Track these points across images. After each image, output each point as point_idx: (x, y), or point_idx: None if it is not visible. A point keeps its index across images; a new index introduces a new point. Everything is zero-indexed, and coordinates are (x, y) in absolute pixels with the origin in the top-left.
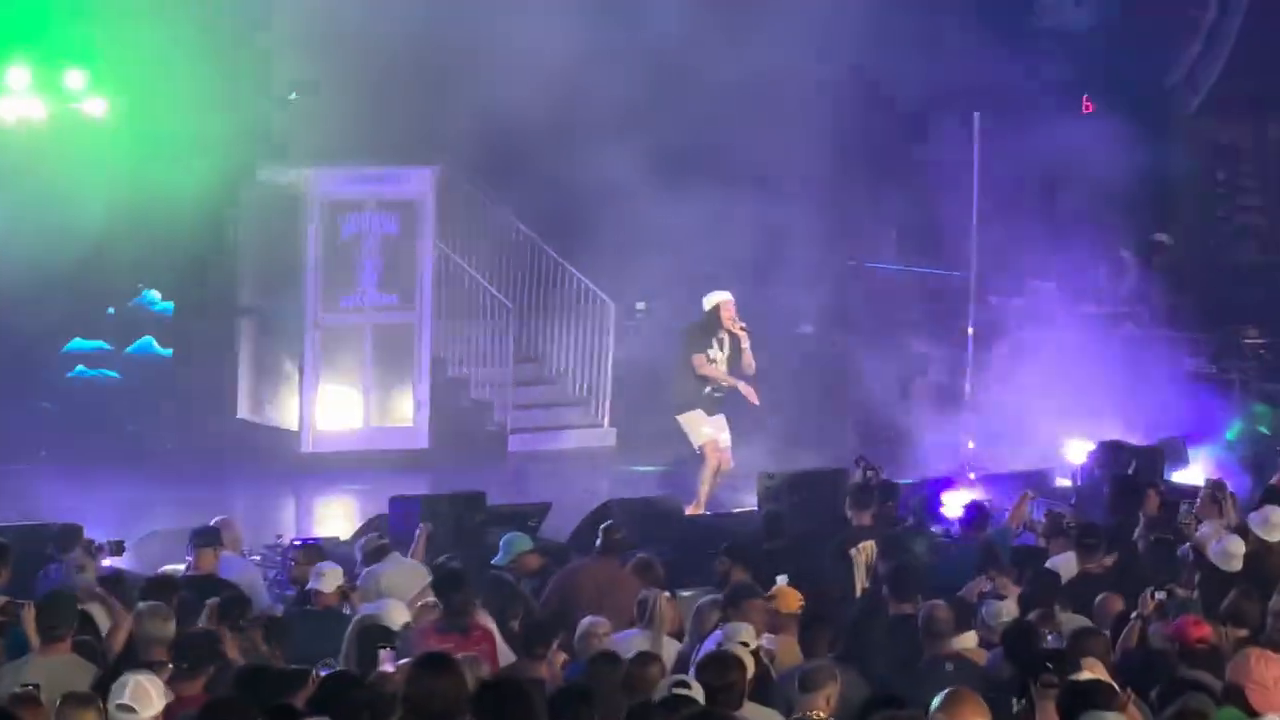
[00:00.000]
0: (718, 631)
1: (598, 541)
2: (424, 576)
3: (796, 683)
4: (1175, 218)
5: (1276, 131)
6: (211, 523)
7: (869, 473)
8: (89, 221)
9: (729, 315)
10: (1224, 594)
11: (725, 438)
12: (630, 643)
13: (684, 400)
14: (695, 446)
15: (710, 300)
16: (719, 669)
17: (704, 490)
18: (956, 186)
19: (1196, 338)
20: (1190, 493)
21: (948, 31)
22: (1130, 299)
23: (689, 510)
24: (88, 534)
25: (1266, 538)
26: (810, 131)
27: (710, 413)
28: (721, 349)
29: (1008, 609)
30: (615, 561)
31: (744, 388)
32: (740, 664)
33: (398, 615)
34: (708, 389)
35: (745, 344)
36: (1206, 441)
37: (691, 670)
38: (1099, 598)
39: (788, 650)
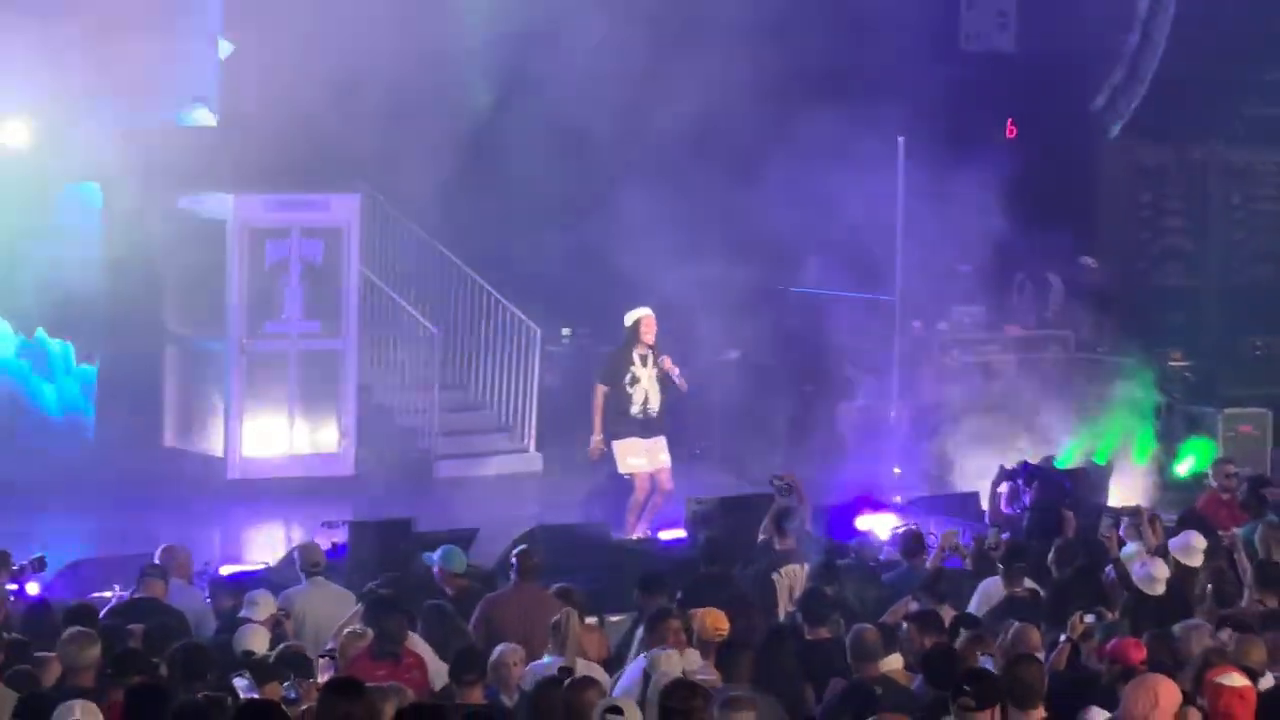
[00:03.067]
0: (640, 657)
1: (514, 567)
2: (350, 602)
3: (715, 709)
4: (1100, 241)
5: (1200, 155)
6: (158, 550)
7: (783, 487)
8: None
9: (650, 330)
10: (1148, 617)
11: (663, 458)
12: (547, 670)
13: (614, 428)
14: (620, 473)
15: (631, 316)
16: (685, 694)
17: (631, 520)
18: (881, 210)
19: (1123, 360)
20: (1112, 514)
21: (873, 53)
22: (1056, 322)
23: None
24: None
25: (1187, 563)
26: (733, 154)
27: (645, 434)
28: (644, 364)
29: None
30: (536, 586)
31: (671, 373)
32: (705, 692)
33: (257, 641)
34: (633, 409)
35: (669, 366)
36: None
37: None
38: (1014, 627)
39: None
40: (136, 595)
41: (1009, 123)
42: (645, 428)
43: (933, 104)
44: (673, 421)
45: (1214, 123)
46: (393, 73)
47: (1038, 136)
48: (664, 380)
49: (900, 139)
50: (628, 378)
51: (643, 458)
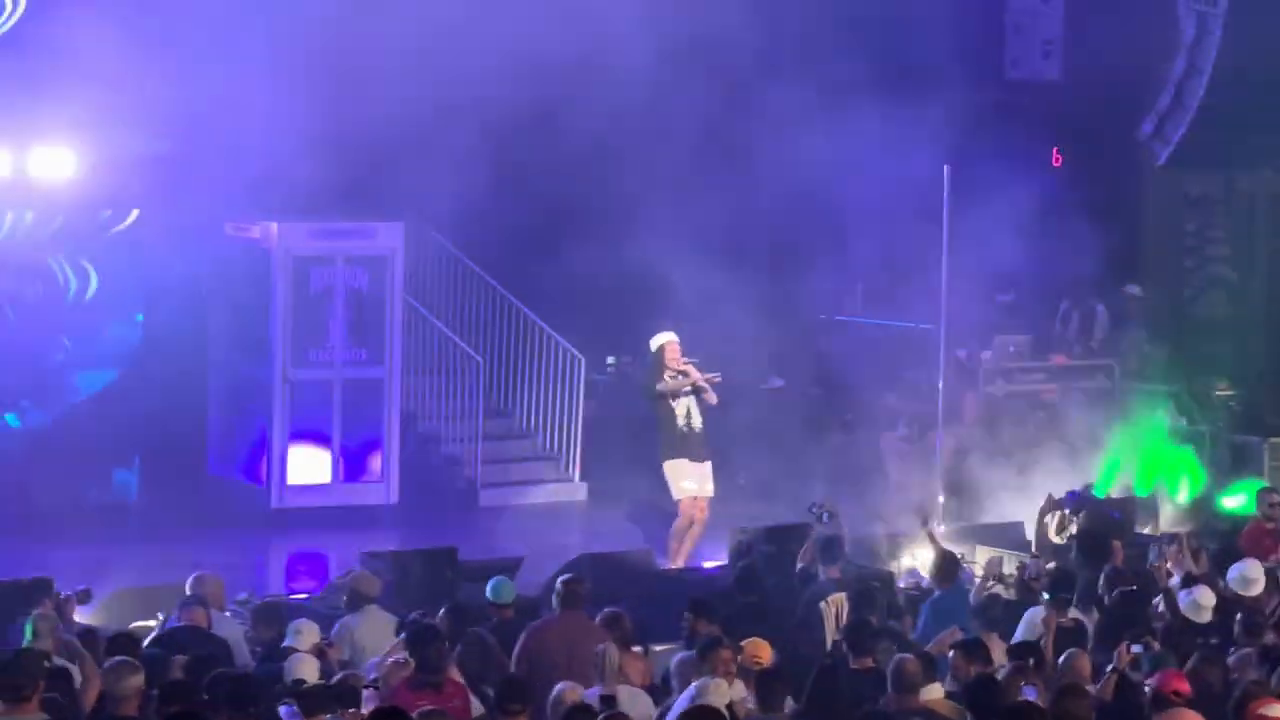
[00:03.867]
0: (691, 687)
1: (558, 595)
2: (392, 628)
3: None
4: (1145, 270)
5: (1246, 184)
6: (190, 579)
7: (821, 514)
8: None
9: (674, 355)
10: (1193, 645)
11: (708, 488)
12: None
13: (665, 447)
14: (674, 498)
15: (656, 341)
16: None
17: (675, 546)
18: (925, 238)
19: (1167, 389)
20: (1159, 544)
21: (919, 81)
22: (1101, 351)
23: (664, 565)
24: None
25: (1243, 593)
26: (777, 184)
27: (695, 458)
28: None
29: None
30: (581, 614)
31: (703, 379)
32: (723, 718)
33: (307, 670)
34: (679, 421)
35: (696, 376)
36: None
37: None
38: (1065, 656)
39: None
40: (179, 624)
41: (1054, 151)
42: (692, 443)
43: (978, 132)
44: (716, 449)
45: (1260, 151)
46: (438, 100)
47: (1083, 164)
48: (702, 405)
49: (945, 167)
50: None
51: (694, 482)
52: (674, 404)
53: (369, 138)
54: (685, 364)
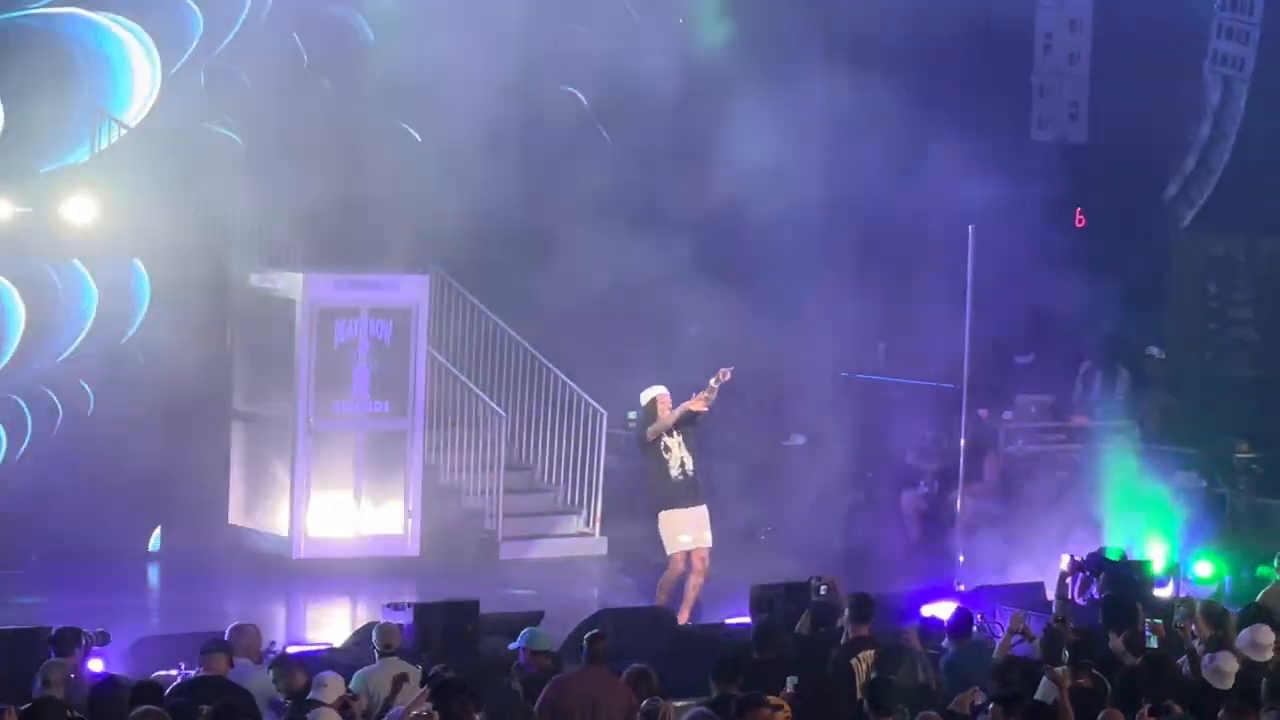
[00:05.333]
0: None
1: (584, 651)
2: (417, 681)
3: None
4: (1168, 331)
5: (1269, 246)
6: (227, 629)
7: (821, 588)
8: None
9: (666, 407)
10: (1214, 711)
11: (705, 538)
12: None
13: (657, 498)
14: (668, 552)
15: (647, 395)
16: None
17: (661, 598)
18: (947, 297)
19: (1188, 452)
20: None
21: (946, 143)
22: (1122, 413)
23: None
24: None
25: (1255, 658)
26: (800, 242)
27: (688, 504)
28: (671, 435)
29: None
30: (604, 670)
31: (695, 403)
32: None
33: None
34: (673, 471)
35: (699, 405)
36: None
37: None
38: (1102, 714)
39: None
40: (201, 673)
41: (1078, 212)
42: (688, 490)
43: (1003, 192)
44: (737, 504)
45: None
46: (464, 154)
47: (1108, 226)
48: (694, 449)
49: (970, 227)
50: (661, 446)
51: (689, 535)
52: (667, 456)
53: (397, 188)
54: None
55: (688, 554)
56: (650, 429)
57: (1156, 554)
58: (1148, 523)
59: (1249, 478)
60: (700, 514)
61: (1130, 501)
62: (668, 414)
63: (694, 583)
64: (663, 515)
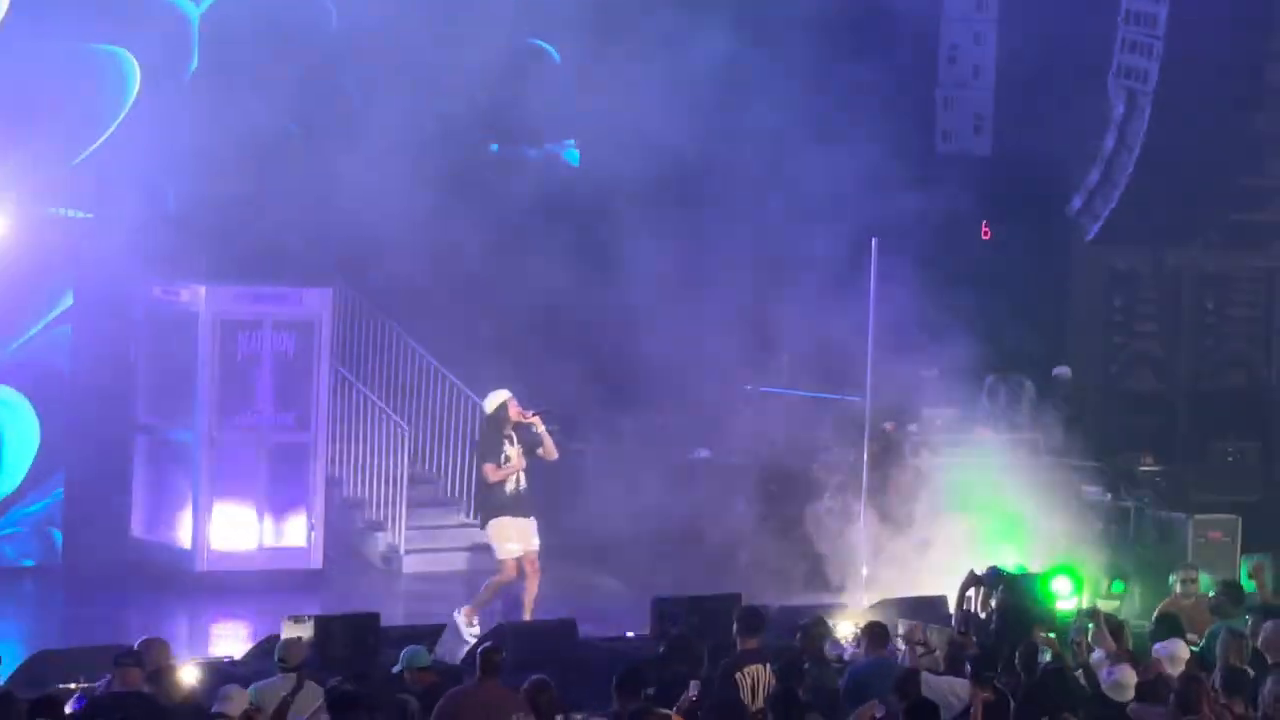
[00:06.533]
0: None
1: (477, 664)
2: (317, 696)
3: None
4: (1072, 344)
5: (1173, 260)
6: (138, 642)
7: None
8: None
9: (515, 410)
10: None
11: (534, 542)
12: None
13: (490, 508)
14: (497, 559)
15: (493, 401)
16: None
17: (486, 596)
18: (852, 309)
19: (1093, 465)
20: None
21: (849, 153)
22: (1026, 426)
23: (463, 611)
24: None
25: (1170, 671)
26: (707, 253)
27: (518, 514)
28: (512, 444)
29: None
30: (497, 683)
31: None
32: None
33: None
34: (508, 486)
35: (541, 428)
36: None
37: None
38: None
39: None
40: (114, 688)
41: (983, 225)
42: (518, 503)
43: (907, 205)
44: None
45: (1188, 228)
46: (368, 168)
47: (1012, 238)
48: (532, 450)
49: (874, 239)
50: (501, 458)
51: (517, 543)
52: (505, 466)
53: (301, 201)
54: (532, 416)
55: (518, 561)
56: (491, 473)
57: (1060, 568)
58: (1051, 536)
59: (1153, 491)
60: (529, 523)
61: (1033, 515)
62: (518, 415)
63: (530, 586)
64: (491, 524)
